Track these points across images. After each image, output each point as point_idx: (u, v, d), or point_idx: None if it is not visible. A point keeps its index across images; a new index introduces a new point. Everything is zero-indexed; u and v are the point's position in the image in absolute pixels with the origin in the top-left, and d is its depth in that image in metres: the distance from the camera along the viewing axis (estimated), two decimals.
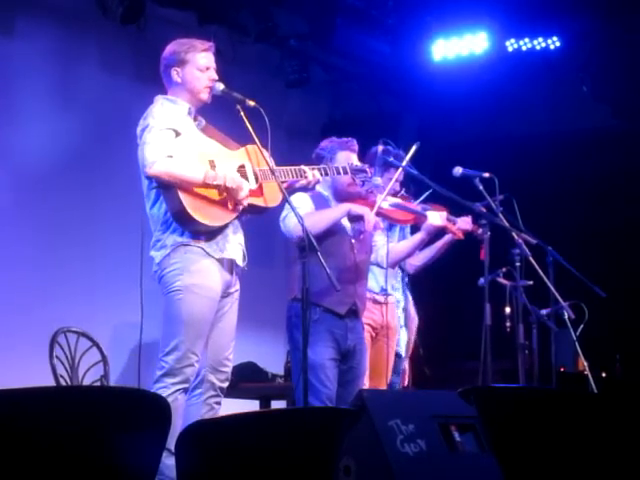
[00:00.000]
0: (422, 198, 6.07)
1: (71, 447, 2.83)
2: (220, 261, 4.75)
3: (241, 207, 4.76)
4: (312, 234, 5.05)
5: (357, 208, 5.44)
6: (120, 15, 7.37)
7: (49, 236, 7.22)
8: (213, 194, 4.70)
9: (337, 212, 5.45)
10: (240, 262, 4.86)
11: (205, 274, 4.70)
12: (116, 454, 2.92)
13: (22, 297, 7.03)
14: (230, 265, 4.81)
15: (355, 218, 5.46)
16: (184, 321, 4.64)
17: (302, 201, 5.42)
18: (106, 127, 7.46)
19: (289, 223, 5.34)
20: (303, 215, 5.28)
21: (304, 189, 5.23)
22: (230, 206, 4.75)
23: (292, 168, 4.96)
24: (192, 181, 4.62)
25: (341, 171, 5.29)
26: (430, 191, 6.04)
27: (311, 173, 5.01)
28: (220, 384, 4.82)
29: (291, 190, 5.09)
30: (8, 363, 6.70)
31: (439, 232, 5.98)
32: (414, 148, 5.83)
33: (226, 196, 4.72)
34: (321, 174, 5.10)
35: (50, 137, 7.33)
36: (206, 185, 4.64)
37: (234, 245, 4.82)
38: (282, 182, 4.85)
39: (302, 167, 5.01)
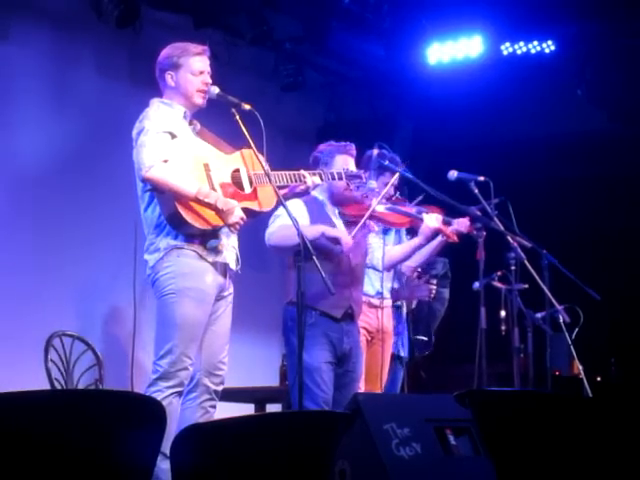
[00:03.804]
0: (415, 202, 6.07)
1: (67, 450, 2.83)
2: (214, 264, 4.75)
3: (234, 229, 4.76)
4: (282, 247, 5.25)
5: (331, 231, 5.34)
6: (115, 18, 7.37)
7: (43, 239, 7.20)
8: None
9: (309, 233, 5.15)
10: (233, 266, 4.86)
11: (198, 277, 4.70)
12: (111, 457, 2.92)
13: (17, 300, 7.02)
14: (224, 268, 4.81)
15: (331, 240, 5.35)
16: (178, 324, 4.64)
17: (295, 208, 5.34)
18: (102, 130, 7.45)
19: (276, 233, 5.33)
20: (280, 225, 5.29)
21: (302, 194, 5.22)
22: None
23: (291, 173, 4.97)
24: (185, 194, 4.62)
25: (336, 176, 5.28)
26: (421, 197, 6.04)
27: (310, 179, 5.02)
28: (215, 387, 4.81)
29: (290, 195, 5.09)
30: (3, 367, 6.69)
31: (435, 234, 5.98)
32: (395, 177, 5.86)
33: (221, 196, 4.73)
34: (321, 179, 5.13)
35: (46, 140, 7.32)
36: (197, 201, 4.64)
37: (228, 249, 4.82)
38: (282, 187, 4.87)
39: (302, 172, 5.02)
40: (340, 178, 5.30)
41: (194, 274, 4.69)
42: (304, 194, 5.25)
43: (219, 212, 4.68)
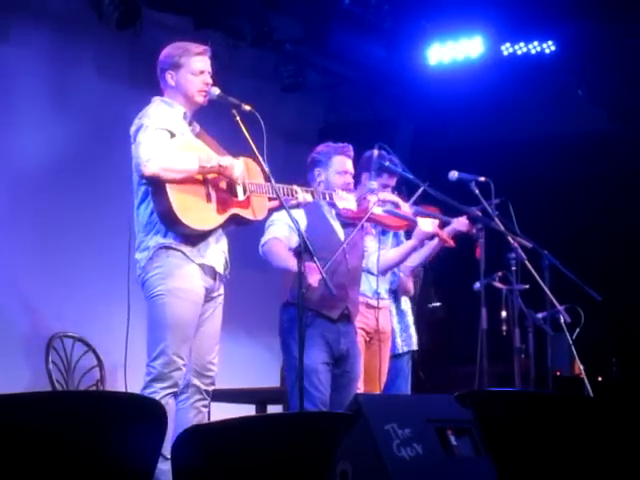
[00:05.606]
0: (414, 198, 6.05)
1: (68, 452, 2.83)
2: (201, 266, 4.73)
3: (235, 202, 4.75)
4: (270, 262, 5.28)
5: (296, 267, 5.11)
6: (116, 20, 7.38)
7: (43, 239, 7.21)
8: (202, 197, 4.69)
9: (286, 264, 5.24)
10: (221, 270, 4.82)
11: (187, 278, 4.68)
12: (112, 459, 2.92)
13: (18, 302, 7.03)
14: (212, 271, 4.79)
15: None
16: (169, 325, 4.63)
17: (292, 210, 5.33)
18: (101, 131, 7.46)
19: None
20: (273, 236, 5.29)
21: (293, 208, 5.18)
22: (218, 211, 4.74)
23: (283, 186, 4.94)
24: (188, 170, 4.62)
25: (327, 197, 5.26)
26: (421, 189, 6.01)
27: (302, 195, 5.00)
28: (205, 387, 4.80)
29: (281, 207, 5.05)
30: (4, 368, 6.69)
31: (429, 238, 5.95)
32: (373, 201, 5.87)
33: (215, 200, 4.72)
34: (312, 197, 5.10)
35: (46, 141, 7.33)
36: (202, 169, 4.64)
37: (216, 252, 4.79)
38: (273, 199, 4.87)
39: (294, 187, 5.00)
40: (331, 199, 5.28)
41: (183, 274, 4.67)
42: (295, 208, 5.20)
43: (223, 170, 4.69)
